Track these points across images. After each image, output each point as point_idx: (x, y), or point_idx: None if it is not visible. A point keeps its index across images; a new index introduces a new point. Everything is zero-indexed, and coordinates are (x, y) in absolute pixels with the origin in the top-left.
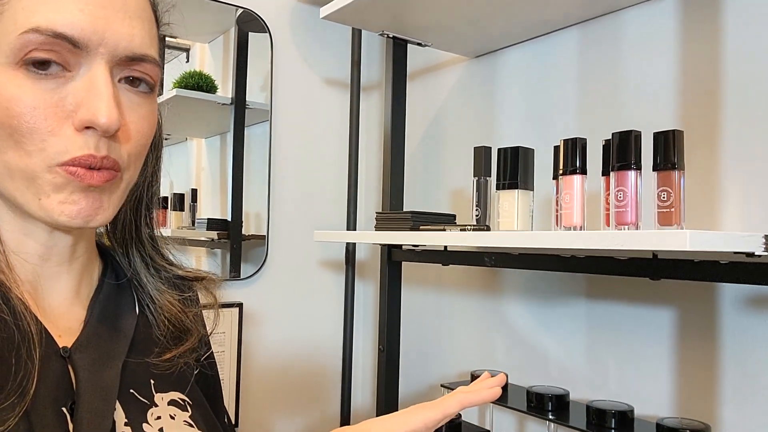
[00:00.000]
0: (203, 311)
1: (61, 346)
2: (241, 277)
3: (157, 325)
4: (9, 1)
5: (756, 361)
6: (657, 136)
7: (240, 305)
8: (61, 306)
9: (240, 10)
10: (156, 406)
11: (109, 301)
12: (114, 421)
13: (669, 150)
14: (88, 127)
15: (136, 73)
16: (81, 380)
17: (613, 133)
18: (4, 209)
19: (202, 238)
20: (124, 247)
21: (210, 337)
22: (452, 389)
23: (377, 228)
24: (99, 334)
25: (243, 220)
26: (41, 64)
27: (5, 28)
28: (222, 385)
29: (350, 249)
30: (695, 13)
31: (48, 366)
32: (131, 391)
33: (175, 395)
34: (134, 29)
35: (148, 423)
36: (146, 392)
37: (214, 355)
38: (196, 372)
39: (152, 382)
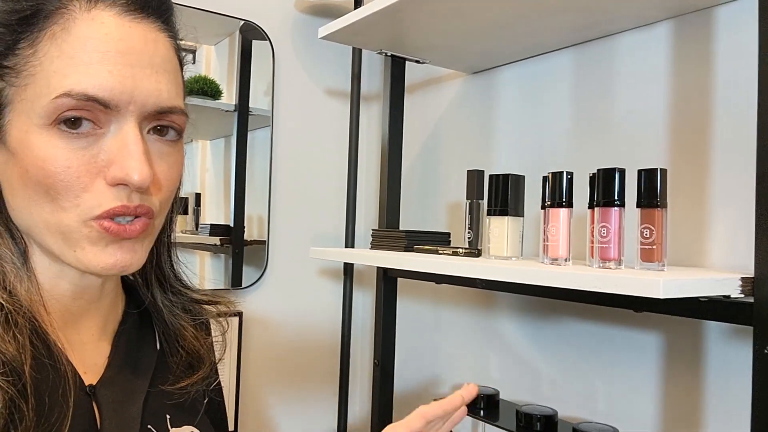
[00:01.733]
0: (216, 319)
1: (87, 384)
2: (242, 285)
3: (170, 353)
4: (41, 63)
5: (738, 389)
6: (641, 173)
7: (240, 314)
8: (90, 342)
9: (242, 20)
10: None
11: (132, 338)
12: None
13: (652, 188)
14: (120, 183)
15: (164, 122)
16: (105, 417)
17: (598, 170)
18: (40, 255)
19: (205, 243)
20: (144, 276)
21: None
22: None
23: (373, 246)
24: (122, 371)
25: (245, 225)
26: (73, 123)
27: (38, 91)
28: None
29: None
30: (687, 40)
31: (75, 403)
32: (149, 426)
33: (188, 429)
34: (161, 84)
35: None
36: (162, 427)
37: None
38: (206, 401)
39: (168, 416)
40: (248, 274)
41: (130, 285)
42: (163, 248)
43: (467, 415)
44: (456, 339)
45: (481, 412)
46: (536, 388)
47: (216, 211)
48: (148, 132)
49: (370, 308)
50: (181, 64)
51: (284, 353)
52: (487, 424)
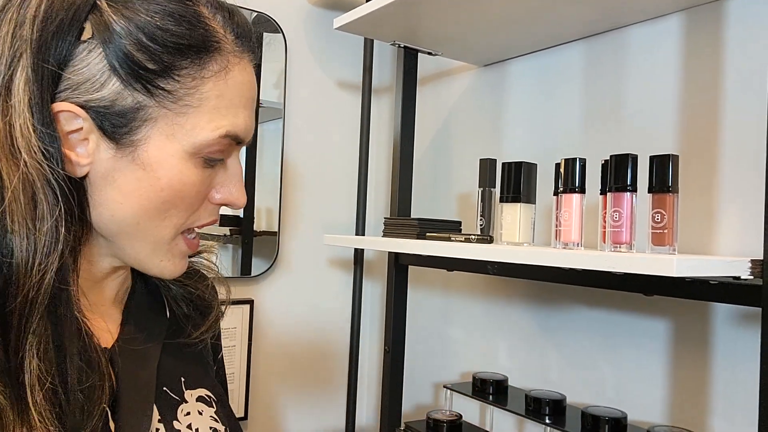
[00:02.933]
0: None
1: (102, 347)
2: (252, 274)
3: (178, 309)
4: (206, 99)
5: (745, 374)
6: (653, 159)
7: (251, 302)
8: (104, 308)
9: (255, 12)
10: (186, 402)
11: (141, 305)
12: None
13: (664, 174)
14: (224, 204)
15: None
16: (121, 380)
17: (611, 156)
18: (96, 245)
19: (214, 233)
20: None
21: (221, 329)
22: (455, 390)
23: (385, 233)
24: (135, 336)
25: (255, 216)
26: (213, 159)
27: (198, 123)
28: (232, 379)
29: (359, 249)
30: (697, 32)
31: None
32: (164, 389)
33: (203, 392)
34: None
35: (177, 420)
36: (177, 389)
37: (224, 353)
38: (215, 368)
39: (183, 379)
40: (258, 264)
41: None
42: None
43: (477, 399)
44: (465, 326)
45: (491, 397)
46: (545, 375)
47: None
48: None
49: (379, 298)
50: None
51: (294, 341)
52: (496, 409)
